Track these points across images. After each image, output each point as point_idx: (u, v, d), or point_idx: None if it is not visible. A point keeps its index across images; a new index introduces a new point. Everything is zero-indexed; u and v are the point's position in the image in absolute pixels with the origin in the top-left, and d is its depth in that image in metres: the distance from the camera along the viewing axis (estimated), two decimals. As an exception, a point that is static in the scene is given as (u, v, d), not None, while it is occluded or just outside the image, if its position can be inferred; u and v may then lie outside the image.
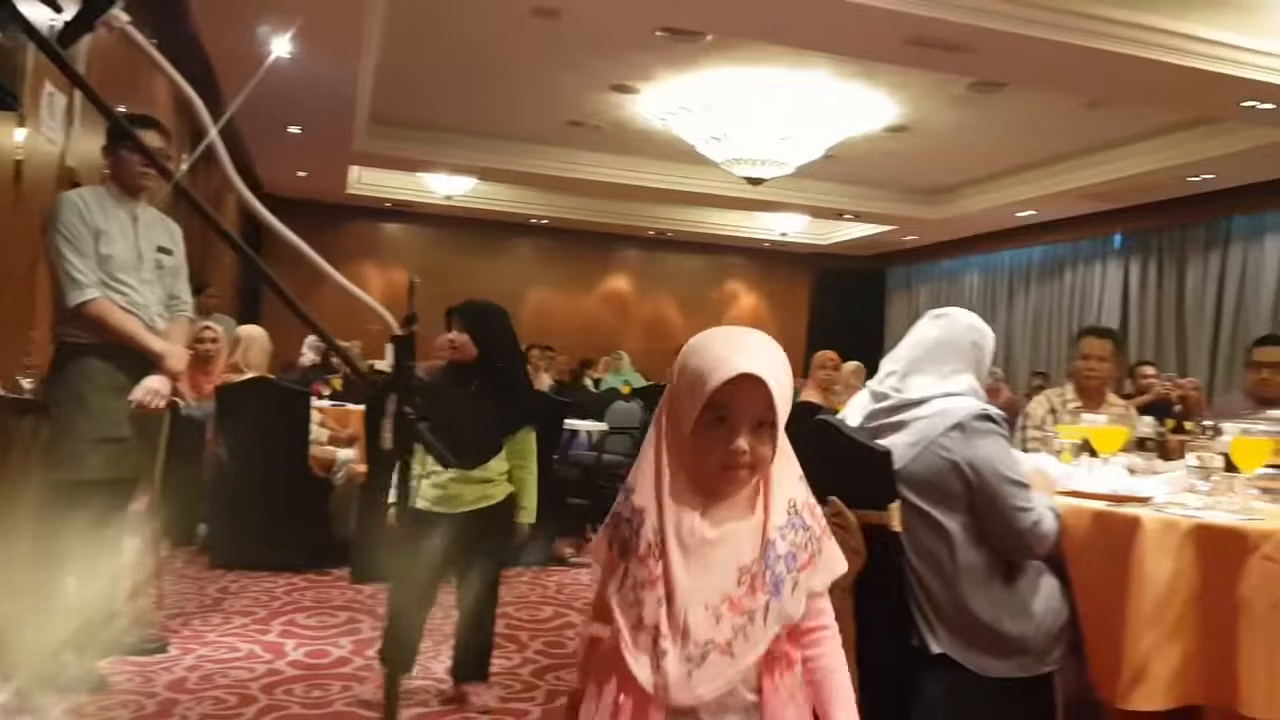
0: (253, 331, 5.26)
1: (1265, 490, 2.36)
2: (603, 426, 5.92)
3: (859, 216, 11.29)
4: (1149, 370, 7.20)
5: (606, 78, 7.30)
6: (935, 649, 2.05)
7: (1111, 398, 3.69)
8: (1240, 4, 5.37)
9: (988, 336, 2.27)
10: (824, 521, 1.30)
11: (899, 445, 2.15)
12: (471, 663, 3.10)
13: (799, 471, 1.28)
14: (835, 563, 1.30)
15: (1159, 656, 1.93)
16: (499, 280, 11.76)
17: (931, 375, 2.20)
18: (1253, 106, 6.33)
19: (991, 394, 5.88)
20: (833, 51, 6.14)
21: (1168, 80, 5.90)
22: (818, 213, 11.26)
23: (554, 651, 3.68)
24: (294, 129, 8.07)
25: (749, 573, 1.20)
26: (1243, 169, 7.99)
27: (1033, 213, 10.37)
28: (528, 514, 3.13)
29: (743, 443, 1.17)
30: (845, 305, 13.57)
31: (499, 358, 3.04)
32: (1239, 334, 8.59)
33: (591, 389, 8.61)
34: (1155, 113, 7.21)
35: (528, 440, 3.13)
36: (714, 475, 1.20)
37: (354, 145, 8.61)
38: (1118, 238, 10.36)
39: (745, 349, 1.19)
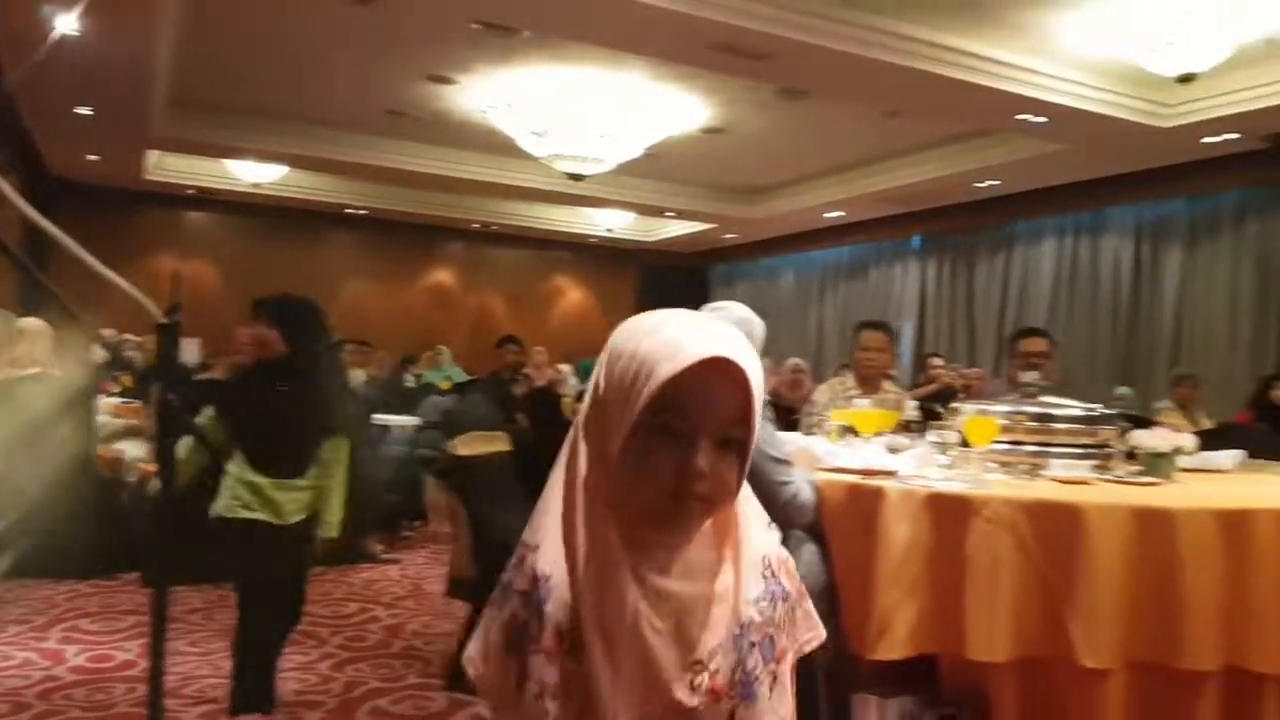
0: (33, 325, 4.91)
1: (1003, 464, 2.64)
2: (415, 421, 5.87)
3: (681, 214, 11.61)
4: (937, 361, 7.78)
5: (423, 68, 7.22)
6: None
7: (887, 384, 4.00)
8: (1013, 25, 5.88)
9: (757, 326, 2.45)
10: (799, 580, 1.00)
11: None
12: (262, 691, 2.86)
13: (766, 515, 0.98)
14: (816, 629, 1.02)
15: (900, 611, 2.14)
16: (313, 272, 11.38)
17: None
18: (1026, 120, 6.94)
19: (795, 386, 6.21)
20: (643, 54, 6.30)
21: (951, 93, 6.39)
22: (642, 210, 11.49)
23: (354, 645, 3.66)
24: (83, 110, 7.55)
25: (706, 669, 0.86)
26: (1023, 176, 8.72)
27: (841, 214, 10.94)
28: (330, 527, 2.88)
29: (702, 461, 0.82)
30: (671, 301, 13.30)
31: (308, 357, 2.85)
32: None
33: (412, 385, 8.49)
34: (946, 122, 7.77)
35: (338, 449, 2.91)
36: (654, 511, 0.84)
37: (151, 128, 8.14)
38: (916, 239, 11.11)
39: (712, 330, 0.85)
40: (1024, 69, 6.31)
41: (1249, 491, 2.44)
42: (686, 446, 0.83)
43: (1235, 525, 2.06)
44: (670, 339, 0.83)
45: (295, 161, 9.80)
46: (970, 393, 6.81)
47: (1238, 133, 6.90)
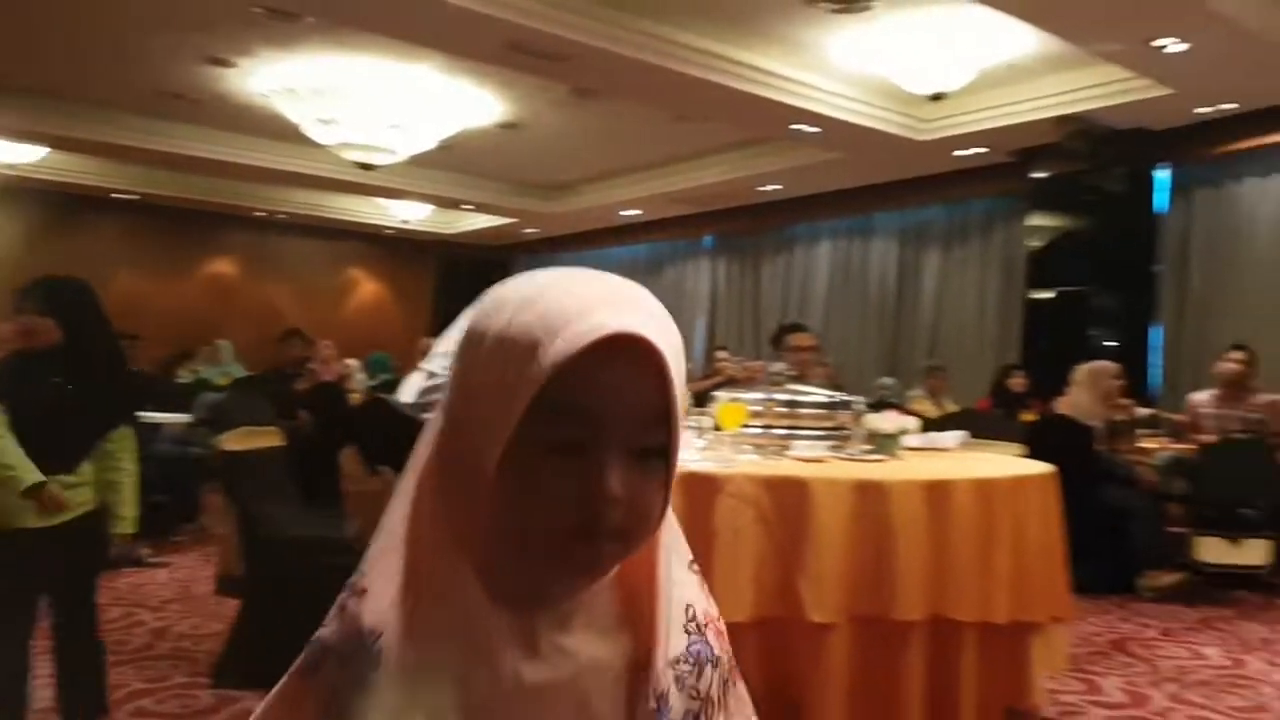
0: None
1: (757, 446, 2.87)
2: (187, 418, 5.59)
3: (480, 207, 11.59)
4: (722, 354, 8.17)
5: (200, 49, 6.87)
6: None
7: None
8: (788, 40, 6.28)
9: None
10: (728, 642, 0.77)
11: (447, 417, 2.37)
12: (92, 700, 2.71)
13: (688, 552, 0.75)
14: (750, 716, 0.78)
15: (653, 583, 2.31)
16: (76, 261, 10.34)
17: (478, 354, 2.45)
18: (801, 129, 7.40)
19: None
20: (435, 48, 6.28)
21: (731, 101, 6.74)
22: (439, 202, 11.39)
23: (118, 650, 3.49)
24: None
25: None
26: (802, 182, 9.28)
27: (638, 212, 11.26)
28: (127, 523, 2.68)
29: (615, 483, 0.60)
30: (471, 295, 13.54)
31: (90, 341, 2.63)
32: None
33: (188, 381, 8.05)
34: (729, 129, 8.16)
35: (126, 438, 2.70)
36: (550, 556, 0.62)
37: (-119, 99, 7.34)
38: (709, 239, 11.59)
39: (613, 293, 0.63)
40: (798, 82, 6.74)
41: (956, 466, 2.78)
42: (592, 463, 0.60)
43: (938, 494, 2.37)
44: (555, 309, 0.60)
45: (57, 143, 9.06)
46: (752, 384, 7.21)
47: (985, 147, 7.64)
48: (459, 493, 0.62)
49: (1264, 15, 5.17)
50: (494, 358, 0.61)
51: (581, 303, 0.61)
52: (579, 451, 0.60)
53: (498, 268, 14.50)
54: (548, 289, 0.62)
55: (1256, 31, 5.16)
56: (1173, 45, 5.36)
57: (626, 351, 0.60)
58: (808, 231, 10.44)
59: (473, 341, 0.64)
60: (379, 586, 0.62)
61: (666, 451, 0.64)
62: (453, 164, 9.78)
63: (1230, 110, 6.47)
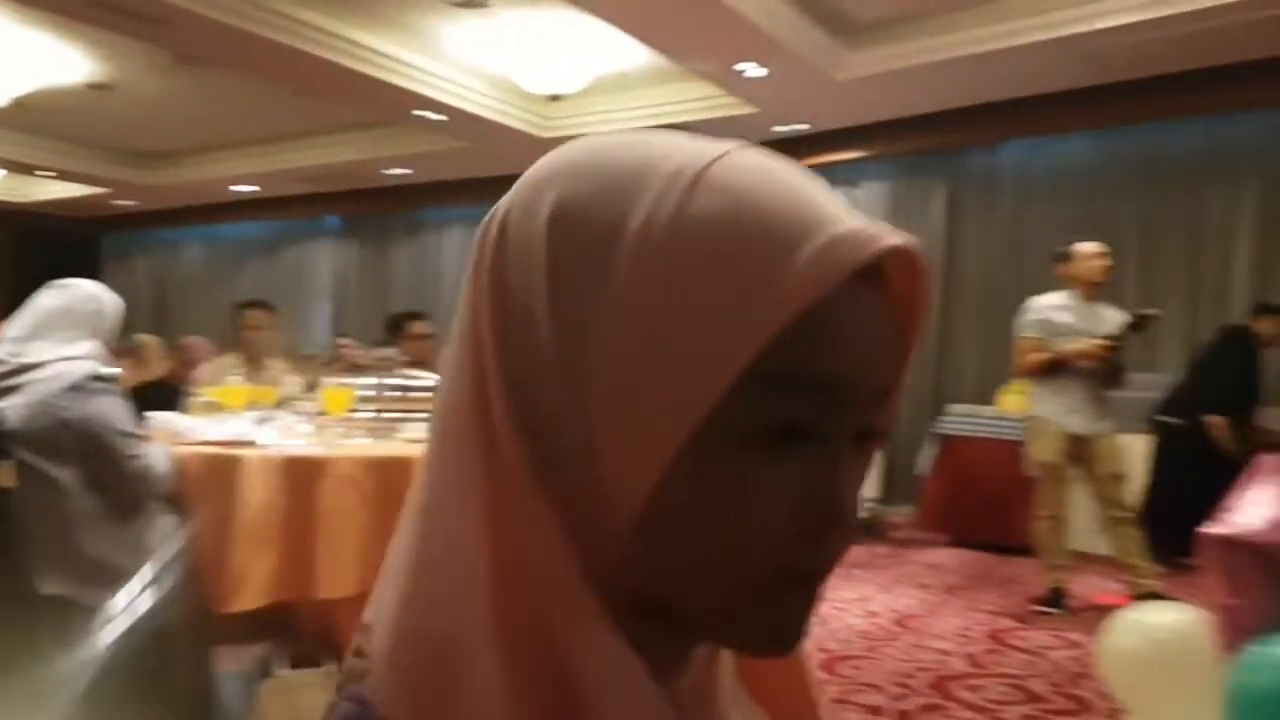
0: None
1: (370, 430, 2.95)
2: None
3: (63, 175, 10.30)
4: (345, 341, 8.02)
5: None
6: (46, 590, 2.19)
7: (270, 360, 4.14)
8: (405, 25, 6.28)
9: (108, 304, 2.45)
10: None
11: (16, 407, 2.21)
12: None
13: None
14: None
15: (255, 566, 2.34)
16: None
17: (51, 341, 2.31)
18: (424, 116, 7.44)
19: (187, 365, 5.98)
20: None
21: (347, 82, 6.61)
22: (8, 166, 9.97)
23: None
24: None
25: None
26: (431, 168, 9.30)
27: (255, 188, 10.61)
28: None
29: (849, 490, 0.39)
30: (52, 272, 11.89)
31: None
32: (433, 311, 10.08)
33: None
34: (348, 109, 7.97)
35: None
36: (728, 612, 0.39)
37: None
38: (332, 219, 11.23)
39: (817, 183, 0.41)
40: (419, 69, 6.76)
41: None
42: (820, 462, 0.39)
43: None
44: (766, 195, 0.38)
45: None
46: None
47: (598, 148, 8.16)
48: (568, 520, 0.37)
49: (828, 53, 6.07)
50: (657, 279, 0.36)
51: (790, 189, 0.38)
52: (801, 442, 0.38)
53: (83, 244, 12.90)
54: (724, 162, 0.38)
55: (821, 66, 6.06)
56: (753, 70, 6.13)
57: (871, 281, 0.39)
58: (438, 216, 10.47)
59: (571, 245, 0.38)
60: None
61: (884, 434, 0.42)
62: (27, 124, 8.61)
63: (803, 130, 7.49)
